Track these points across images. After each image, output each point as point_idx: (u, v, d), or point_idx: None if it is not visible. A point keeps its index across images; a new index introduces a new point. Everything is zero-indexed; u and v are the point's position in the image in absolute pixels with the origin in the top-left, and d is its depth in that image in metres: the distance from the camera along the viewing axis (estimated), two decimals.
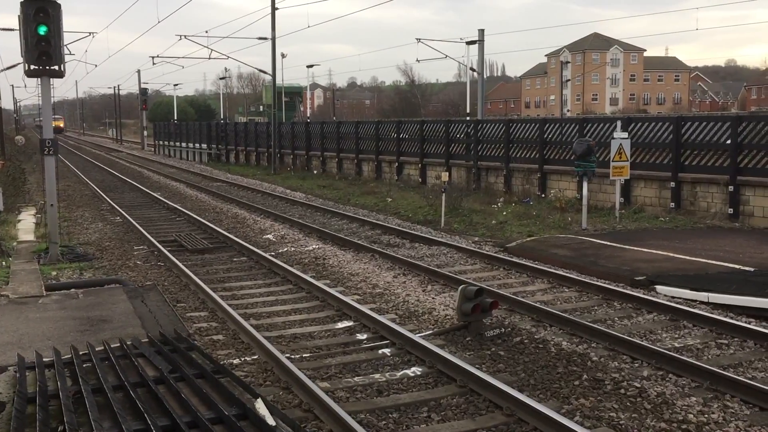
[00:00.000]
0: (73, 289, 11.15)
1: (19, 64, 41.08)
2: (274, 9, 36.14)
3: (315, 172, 34.57)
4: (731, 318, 9.04)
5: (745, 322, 8.82)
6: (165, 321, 9.37)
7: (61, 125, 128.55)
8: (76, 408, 6.22)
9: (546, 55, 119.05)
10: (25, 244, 15.27)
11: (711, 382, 6.91)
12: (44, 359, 7.59)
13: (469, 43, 35.15)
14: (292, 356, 8.03)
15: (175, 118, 71.06)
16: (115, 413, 5.99)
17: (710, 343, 8.31)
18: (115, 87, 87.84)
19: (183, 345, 8.06)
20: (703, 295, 10.03)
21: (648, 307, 9.68)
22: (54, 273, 12.46)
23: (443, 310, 9.83)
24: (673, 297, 10.19)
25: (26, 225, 18.15)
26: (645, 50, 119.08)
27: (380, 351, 8.24)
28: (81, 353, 7.76)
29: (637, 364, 7.59)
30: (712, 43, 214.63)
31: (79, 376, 6.93)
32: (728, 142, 16.69)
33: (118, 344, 8.15)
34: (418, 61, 49.40)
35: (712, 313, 9.17)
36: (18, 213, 20.37)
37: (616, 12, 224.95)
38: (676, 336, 8.60)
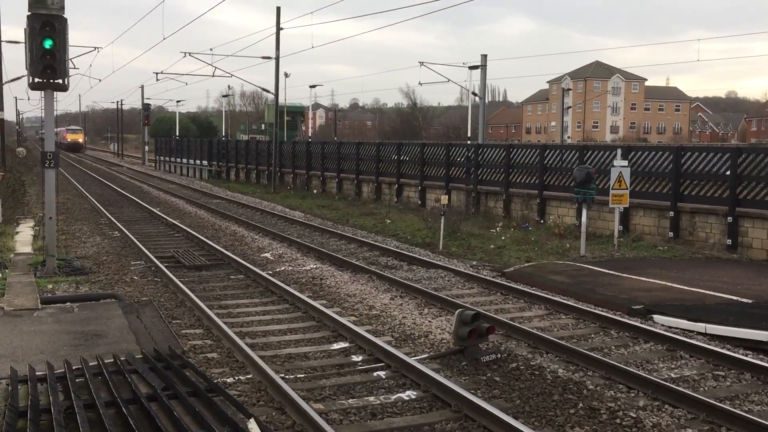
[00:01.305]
0: (68, 303, 11.11)
1: (23, 76, 41.26)
2: (278, 29, 36.41)
3: (315, 191, 34.62)
4: (728, 350, 9.00)
5: (743, 354, 8.79)
6: (160, 337, 9.32)
7: (80, 140, 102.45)
8: (67, 423, 6.18)
9: (548, 82, 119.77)
10: (23, 256, 15.24)
11: (707, 414, 6.87)
12: (37, 373, 7.54)
13: (471, 67, 35.43)
14: (287, 376, 7.98)
15: (177, 134, 71.26)
16: (106, 430, 5.95)
17: (707, 374, 8.27)
18: (118, 102, 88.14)
19: (177, 362, 8.01)
20: (700, 326, 9.99)
21: (645, 336, 9.64)
22: (50, 286, 12.42)
23: (439, 333, 9.79)
24: (670, 327, 10.15)
25: (24, 237, 18.12)
26: (646, 79, 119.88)
27: (375, 373, 8.19)
28: (74, 368, 7.71)
29: (633, 394, 7.54)
30: (712, 74, 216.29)
31: (71, 391, 6.89)
32: (728, 173, 16.74)
33: (112, 360, 8.10)
34: (420, 84, 49.73)
35: (709, 344, 9.13)
36: (16, 225, 20.35)
37: (617, 41, 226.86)
38: (673, 366, 8.56)
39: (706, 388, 7.84)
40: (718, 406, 6.91)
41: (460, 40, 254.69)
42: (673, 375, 8.22)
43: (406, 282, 12.80)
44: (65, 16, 12.71)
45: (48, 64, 12.54)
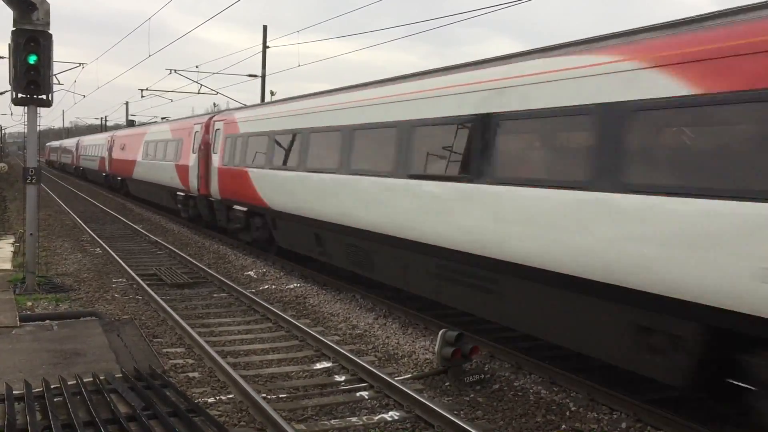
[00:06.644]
0: (47, 321, 10.97)
1: (6, 91, 41.04)
2: (265, 47, 36.49)
3: None
4: None
5: None
6: (140, 356, 9.23)
7: None
8: None
9: None
10: (2, 273, 15.05)
11: None
12: (14, 392, 7.42)
13: None
14: (269, 396, 7.91)
15: None
16: None
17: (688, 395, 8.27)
18: (102, 118, 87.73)
19: (157, 381, 7.93)
20: None
21: None
22: (29, 303, 12.27)
23: (423, 353, 9.76)
24: None
25: (4, 254, 17.92)
26: None
27: (358, 393, 8.14)
28: (53, 387, 7.60)
29: (615, 416, 7.54)
30: None
31: (49, 411, 6.79)
32: None
33: (91, 379, 7.99)
34: None
35: None
36: None
37: None
38: (656, 387, 8.55)
39: (689, 408, 7.85)
40: (700, 430, 6.91)
41: (445, 61, 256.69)
42: (655, 396, 8.22)
43: (390, 301, 12.76)
44: (50, 31, 12.68)
45: (32, 79, 12.49)
